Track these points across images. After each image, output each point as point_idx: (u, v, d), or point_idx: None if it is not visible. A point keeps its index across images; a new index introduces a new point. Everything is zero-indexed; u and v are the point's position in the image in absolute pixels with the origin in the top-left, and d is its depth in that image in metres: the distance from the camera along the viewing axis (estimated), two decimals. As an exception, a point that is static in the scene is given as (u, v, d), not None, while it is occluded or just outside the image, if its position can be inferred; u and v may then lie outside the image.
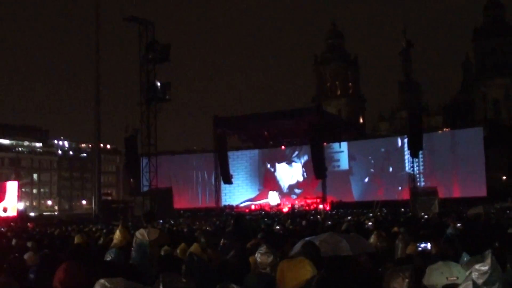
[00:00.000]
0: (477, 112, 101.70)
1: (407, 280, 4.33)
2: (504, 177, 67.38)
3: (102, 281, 3.30)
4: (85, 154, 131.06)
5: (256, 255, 6.07)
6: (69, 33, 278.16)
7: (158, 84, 49.87)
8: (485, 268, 3.30)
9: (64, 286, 4.99)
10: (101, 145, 73.55)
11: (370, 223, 19.56)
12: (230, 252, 8.60)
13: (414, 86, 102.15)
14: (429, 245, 8.99)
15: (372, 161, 67.45)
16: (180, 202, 62.51)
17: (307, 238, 7.35)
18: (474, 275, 3.22)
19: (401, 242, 9.61)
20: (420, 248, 8.82)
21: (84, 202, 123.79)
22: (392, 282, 4.38)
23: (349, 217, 30.42)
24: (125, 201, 63.22)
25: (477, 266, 3.33)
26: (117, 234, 11.85)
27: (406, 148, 58.26)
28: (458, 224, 16.47)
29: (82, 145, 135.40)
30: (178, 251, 8.44)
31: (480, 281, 3.17)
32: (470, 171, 59.29)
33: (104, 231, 21.21)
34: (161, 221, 34.23)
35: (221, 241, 10.90)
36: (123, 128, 57.32)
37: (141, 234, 11.12)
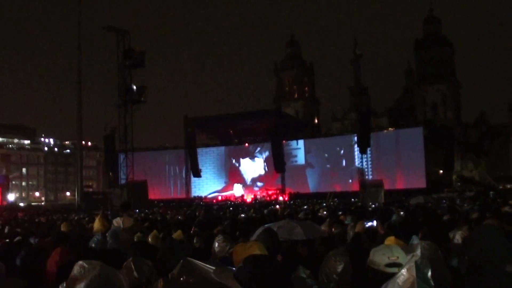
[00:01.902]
0: (418, 113, 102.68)
1: (338, 263, 4.34)
2: (441, 171, 68.16)
3: (80, 262, 3.27)
4: (68, 150, 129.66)
5: (214, 244, 6.05)
6: (53, 41, 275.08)
7: (134, 87, 49.54)
8: (415, 258, 3.36)
9: (58, 267, 4.98)
10: (83, 142, 72.86)
11: (324, 212, 19.65)
12: (200, 238, 8.60)
13: (363, 90, 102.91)
14: (375, 223, 9.03)
15: (326, 156, 67.73)
16: (154, 193, 62.16)
17: (266, 225, 7.36)
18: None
19: (352, 229, 9.66)
20: (367, 226, 8.87)
21: (68, 193, 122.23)
22: (327, 265, 4.40)
23: (305, 207, 30.50)
24: (105, 193, 62.78)
25: (409, 256, 3.39)
26: (96, 223, 11.80)
27: (355, 146, 58.66)
28: (401, 212, 16.62)
29: (66, 142, 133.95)
30: (149, 237, 8.40)
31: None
32: (411, 165, 59.86)
33: (86, 219, 21.03)
34: (137, 210, 34.00)
35: (192, 229, 10.87)
36: (102, 127, 56.90)
37: (117, 222, 11.11)
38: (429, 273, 3.25)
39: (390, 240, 5.06)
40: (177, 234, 8.55)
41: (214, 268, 3.32)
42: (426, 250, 3.93)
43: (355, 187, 55.54)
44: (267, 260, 3.20)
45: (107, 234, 9.65)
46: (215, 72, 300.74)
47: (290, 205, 39.24)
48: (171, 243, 5.50)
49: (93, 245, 8.03)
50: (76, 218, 26.50)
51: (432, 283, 3.18)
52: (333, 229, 9.51)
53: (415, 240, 4.64)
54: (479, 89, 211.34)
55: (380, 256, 3.59)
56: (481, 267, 3.42)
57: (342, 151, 66.76)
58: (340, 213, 17.80)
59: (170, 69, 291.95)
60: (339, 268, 4.33)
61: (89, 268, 3.21)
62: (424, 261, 3.40)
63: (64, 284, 3.25)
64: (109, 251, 7.55)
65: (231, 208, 34.51)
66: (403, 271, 3.05)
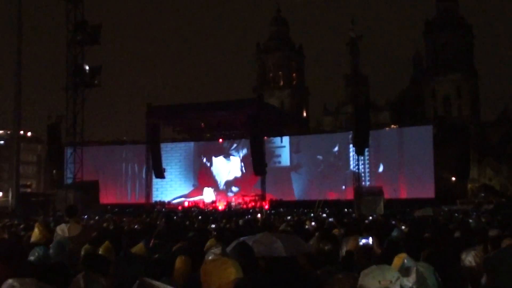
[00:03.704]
0: (427, 109, 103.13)
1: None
2: (454, 178, 68.46)
3: (10, 281, 3.22)
4: (2, 142, 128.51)
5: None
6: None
7: (87, 67, 49.27)
8: (409, 283, 3.39)
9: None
10: (21, 132, 72.31)
11: (313, 223, 19.72)
12: (160, 253, 8.55)
13: (361, 79, 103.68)
14: (370, 240, 8.99)
15: (316, 157, 67.84)
16: (107, 196, 61.93)
17: (241, 238, 7.36)
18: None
19: (345, 244, 9.68)
20: (361, 243, 8.84)
21: (0, 194, 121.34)
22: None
23: (288, 217, 30.57)
24: (46, 195, 62.44)
25: (404, 280, 3.41)
26: (36, 231, 11.70)
27: (351, 145, 58.79)
28: (403, 227, 16.68)
29: (0, 131, 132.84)
30: (101, 250, 8.34)
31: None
32: (418, 171, 60.13)
33: (22, 226, 20.84)
34: (85, 216, 33.87)
35: (152, 241, 10.81)
36: (46, 115, 56.61)
37: (61, 230, 10.99)
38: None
39: (400, 258, 5.05)
40: (138, 248, 8.52)
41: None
42: (423, 274, 3.95)
43: (349, 195, 55.75)
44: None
45: (50, 245, 9.59)
46: (185, 53, 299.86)
47: (271, 214, 39.32)
48: (128, 258, 5.49)
49: (32, 259, 7.93)
50: (2, 224, 26.28)
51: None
52: (320, 245, 9.51)
53: (407, 262, 4.65)
54: (501, 81, 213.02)
55: (370, 280, 3.61)
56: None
57: (334, 152, 66.95)
58: (331, 219, 17.86)
59: (131, 47, 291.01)
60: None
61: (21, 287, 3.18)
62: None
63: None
64: (51, 266, 7.49)
65: (199, 217, 34.51)
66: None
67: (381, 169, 62.29)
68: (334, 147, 67.06)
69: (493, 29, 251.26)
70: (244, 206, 60.40)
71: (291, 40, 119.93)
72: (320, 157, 67.56)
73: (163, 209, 58.66)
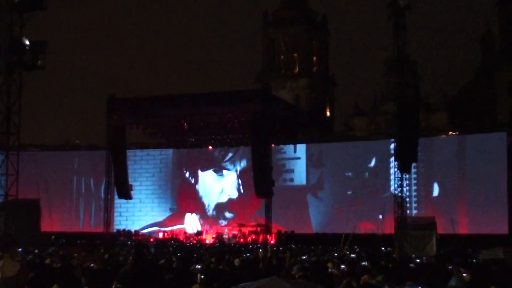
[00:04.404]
0: (499, 109, 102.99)
1: None
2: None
3: None
4: None
5: None
6: None
7: (27, 42, 49.39)
8: None
9: None
10: None
11: (342, 266, 19.83)
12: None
13: (409, 67, 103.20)
14: (420, 290, 9.16)
15: (343, 174, 67.71)
16: (52, 222, 61.77)
17: (241, 285, 7.45)
18: None
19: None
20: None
21: None
22: None
23: (304, 256, 30.70)
24: (-32, 218, 62.62)
25: None
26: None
27: (392, 159, 58.71)
28: (465, 274, 16.77)
29: None
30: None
31: None
32: (485, 195, 59.92)
33: None
34: (20, 249, 33.95)
35: (114, 285, 10.91)
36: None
37: (-7, 269, 11.03)
38: None
39: None
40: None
41: None
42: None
43: (389, 227, 55.71)
44: None
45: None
46: (162, 26, 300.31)
47: (279, 251, 39.47)
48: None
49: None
50: None
51: None
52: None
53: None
54: None
55: None
56: None
57: (369, 167, 66.93)
58: (364, 262, 17.95)
59: (87, 17, 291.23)
60: None
61: None
62: None
63: None
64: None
65: (179, 254, 34.63)
66: None
67: (435, 192, 62.18)
68: (369, 160, 67.03)
69: None
70: (242, 239, 60.52)
71: (311, 10, 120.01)
72: (349, 174, 67.57)
73: (129, 242, 58.71)
